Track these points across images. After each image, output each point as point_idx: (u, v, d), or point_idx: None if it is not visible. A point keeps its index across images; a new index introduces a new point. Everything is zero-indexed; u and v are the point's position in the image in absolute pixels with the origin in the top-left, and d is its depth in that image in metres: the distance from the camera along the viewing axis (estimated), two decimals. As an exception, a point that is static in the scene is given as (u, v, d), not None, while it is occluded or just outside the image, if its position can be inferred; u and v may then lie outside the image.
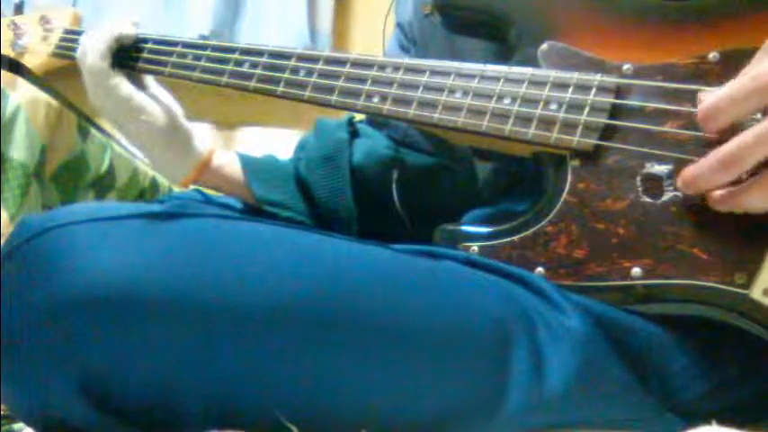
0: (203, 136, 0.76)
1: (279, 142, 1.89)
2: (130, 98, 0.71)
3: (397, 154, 0.79)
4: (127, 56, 0.74)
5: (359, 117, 0.82)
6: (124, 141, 1.34)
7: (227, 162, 0.76)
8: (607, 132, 0.55)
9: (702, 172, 0.48)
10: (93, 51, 0.72)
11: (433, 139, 0.79)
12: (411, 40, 0.83)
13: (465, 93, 0.59)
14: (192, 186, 0.81)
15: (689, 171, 0.49)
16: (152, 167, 0.79)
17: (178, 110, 0.74)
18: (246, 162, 0.76)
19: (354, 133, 0.79)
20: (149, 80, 0.75)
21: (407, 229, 0.76)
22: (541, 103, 0.56)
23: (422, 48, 0.80)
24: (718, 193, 0.49)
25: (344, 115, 0.80)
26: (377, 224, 0.74)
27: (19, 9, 0.91)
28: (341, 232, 0.68)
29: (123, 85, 0.72)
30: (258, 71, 0.67)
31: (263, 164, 0.78)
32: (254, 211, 0.75)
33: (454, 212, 0.69)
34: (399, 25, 0.85)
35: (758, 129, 0.46)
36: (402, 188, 0.77)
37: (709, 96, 0.48)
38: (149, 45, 0.74)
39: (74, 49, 0.76)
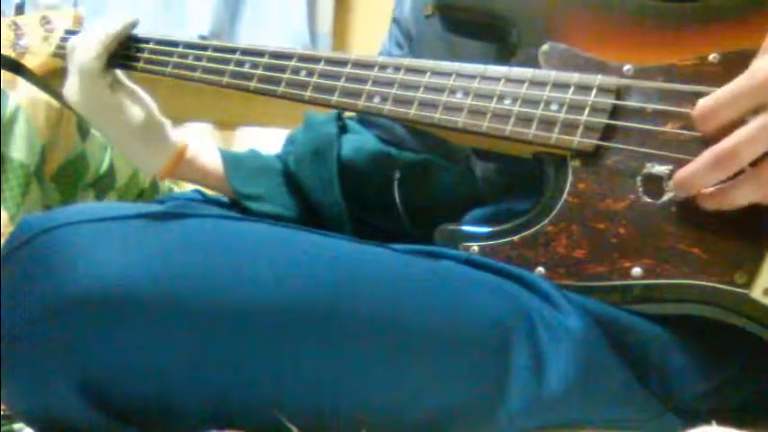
0: (181, 131, 0.78)
1: (279, 142, 1.88)
2: (112, 97, 0.73)
3: (386, 150, 0.79)
4: (126, 56, 0.74)
5: (348, 113, 0.82)
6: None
7: (204, 154, 0.78)
8: (608, 133, 0.55)
9: (697, 170, 0.48)
10: (86, 50, 0.72)
11: (428, 137, 0.78)
12: (406, 35, 0.82)
13: (466, 93, 0.59)
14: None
15: (683, 171, 0.49)
16: (129, 159, 0.83)
17: (153, 104, 0.76)
18: (226, 156, 0.78)
19: (343, 128, 0.80)
20: (123, 76, 0.76)
21: (405, 225, 0.76)
22: (542, 104, 0.56)
23: (417, 44, 0.80)
24: (707, 189, 0.49)
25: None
26: (371, 218, 0.75)
27: (20, 9, 0.91)
28: (332, 226, 0.69)
29: (110, 85, 0.73)
30: (259, 71, 0.67)
31: (244, 158, 0.80)
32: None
33: (455, 212, 0.69)
34: (396, 21, 0.85)
35: (752, 126, 0.46)
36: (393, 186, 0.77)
37: (705, 98, 0.49)
38: (151, 45, 0.74)
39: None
